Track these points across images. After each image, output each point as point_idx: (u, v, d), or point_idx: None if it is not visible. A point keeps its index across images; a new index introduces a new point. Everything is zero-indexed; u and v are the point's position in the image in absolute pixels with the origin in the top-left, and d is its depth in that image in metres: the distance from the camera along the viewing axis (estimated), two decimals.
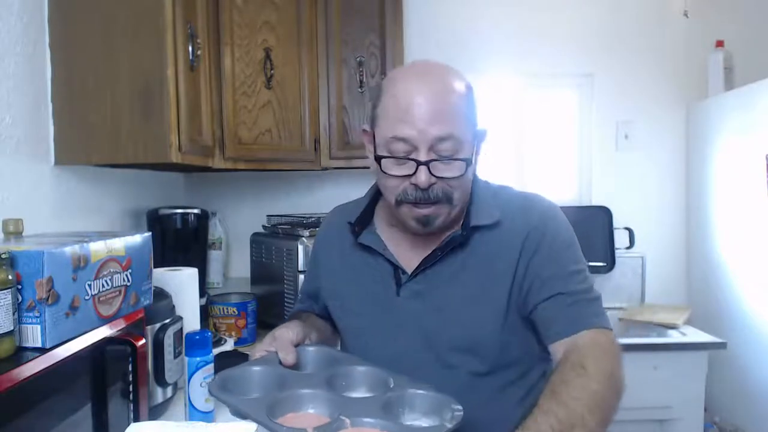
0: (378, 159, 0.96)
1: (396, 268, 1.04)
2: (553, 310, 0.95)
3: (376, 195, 1.12)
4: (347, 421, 0.76)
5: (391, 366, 1.02)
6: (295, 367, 0.94)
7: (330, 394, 0.85)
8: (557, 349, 0.94)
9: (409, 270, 1.03)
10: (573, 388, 0.84)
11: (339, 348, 1.18)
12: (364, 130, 1.04)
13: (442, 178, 0.93)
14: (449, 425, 0.76)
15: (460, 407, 0.79)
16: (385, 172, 0.96)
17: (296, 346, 0.98)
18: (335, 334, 1.19)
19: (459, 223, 1.03)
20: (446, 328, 0.99)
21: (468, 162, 0.93)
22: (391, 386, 0.87)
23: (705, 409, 2.04)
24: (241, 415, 0.80)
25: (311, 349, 1.00)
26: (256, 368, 0.92)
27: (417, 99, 0.91)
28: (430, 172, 0.92)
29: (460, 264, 1.00)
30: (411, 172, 0.93)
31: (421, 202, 0.94)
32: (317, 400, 0.83)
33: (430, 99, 0.91)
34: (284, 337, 0.97)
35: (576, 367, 0.87)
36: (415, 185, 0.93)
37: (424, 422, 0.82)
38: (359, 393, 0.90)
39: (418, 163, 0.92)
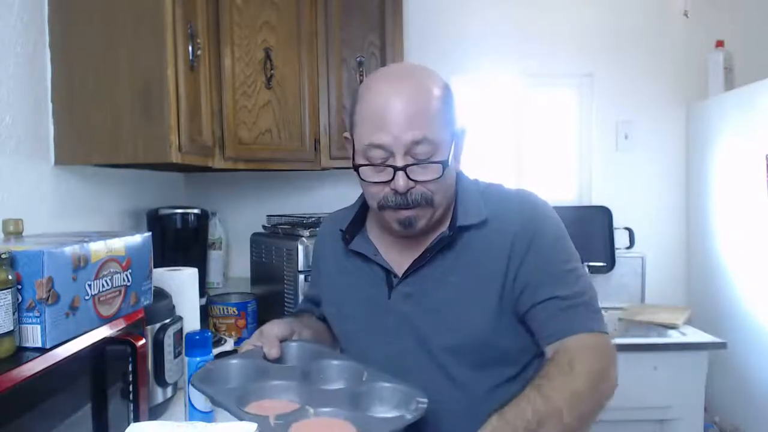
0: (356, 168, 0.98)
1: (388, 272, 1.04)
2: (547, 313, 0.95)
3: (366, 200, 1.12)
4: (311, 410, 0.79)
5: (387, 368, 1.02)
6: (279, 360, 0.97)
7: (302, 385, 0.87)
8: (549, 350, 0.95)
9: (401, 273, 1.03)
10: (556, 384, 0.86)
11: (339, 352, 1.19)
12: (346, 138, 1.04)
13: (420, 181, 0.94)
14: (409, 416, 0.77)
15: (425, 400, 0.80)
16: (365, 180, 0.97)
17: (282, 341, 1.01)
18: (332, 335, 1.19)
19: (446, 224, 1.03)
20: (437, 329, 0.99)
21: (444, 164, 0.93)
22: (363, 379, 0.89)
23: (705, 409, 2.04)
24: (216, 404, 0.84)
25: (294, 344, 1.03)
26: (237, 361, 0.96)
27: (390, 105, 0.92)
28: (407, 176, 0.93)
29: (449, 265, 1.00)
30: (389, 178, 0.94)
31: (401, 207, 0.95)
32: (290, 390, 0.86)
33: (403, 103, 0.92)
34: (270, 333, 1.01)
35: (562, 366, 0.88)
36: (395, 190, 0.94)
37: (392, 414, 0.82)
38: (336, 386, 0.92)
39: (395, 169, 0.92)
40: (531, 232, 0.98)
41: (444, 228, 1.02)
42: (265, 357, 0.97)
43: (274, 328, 1.02)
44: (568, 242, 1.02)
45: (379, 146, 0.93)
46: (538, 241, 0.98)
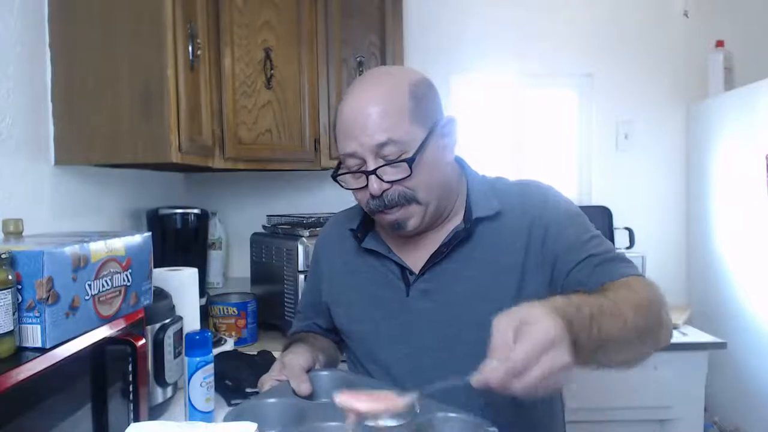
0: (334, 178, 1.00)
1: (403, 269, 1.04)
2: (584, 272, 0.95)
3: None
4: None
5: (402, 367, 1.01)
6: (310, 394, 0.93)
7: (355, 424, 0.81)
8: None
9: (417, 269, 1.03)
10: (619, 295, 0.84)
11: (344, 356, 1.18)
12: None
13: (394, 181, 0.94)
14: None
15: (494, 429, 0.77)
16: (347, 188, 1.00)
17: (307, 372, 0.97)
18: (338, 349, 1.18)
19: (457, 219, 1.03)
20: (457, 324, 0.99)
21: (409, 161, 0.93)
22: (418, 411, 0.84)
23: (705, 409, 2.04)
24: None
25: (324, 374, 0.98)
26: (271, 400, 0.90)
27: (355, 113, 0.94)
28: (380, 178, 0.94)
29: (466, 258, 1.00)
30: (365, 183, 0.95)
31: (381, 210, 0.96)
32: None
33: (368, 110, 0.93)
34: (294, 365, 0.96)
35: (621, 284, 0.88)
36: (372, 194, 0.95)
37: None
38: (382, 419, 0.87)
39: (366, 174, 0.94)
40: (545, 217, 0.99)
41: (456, 223, 1.03)
42: (294, 392, 0.91)
43: (299, 359, 0.97)
44: (584, 218, 1.03)
45: (350, 155, 0.95)
46: (554, 225, 0.99)
